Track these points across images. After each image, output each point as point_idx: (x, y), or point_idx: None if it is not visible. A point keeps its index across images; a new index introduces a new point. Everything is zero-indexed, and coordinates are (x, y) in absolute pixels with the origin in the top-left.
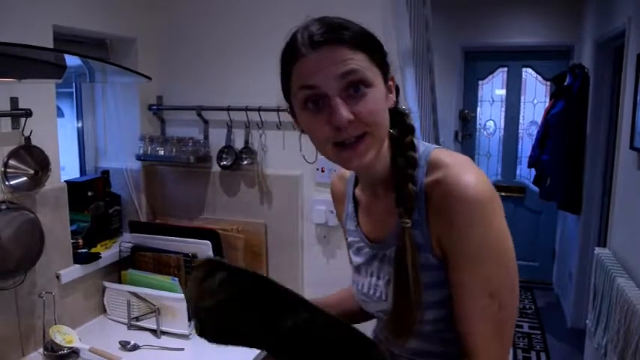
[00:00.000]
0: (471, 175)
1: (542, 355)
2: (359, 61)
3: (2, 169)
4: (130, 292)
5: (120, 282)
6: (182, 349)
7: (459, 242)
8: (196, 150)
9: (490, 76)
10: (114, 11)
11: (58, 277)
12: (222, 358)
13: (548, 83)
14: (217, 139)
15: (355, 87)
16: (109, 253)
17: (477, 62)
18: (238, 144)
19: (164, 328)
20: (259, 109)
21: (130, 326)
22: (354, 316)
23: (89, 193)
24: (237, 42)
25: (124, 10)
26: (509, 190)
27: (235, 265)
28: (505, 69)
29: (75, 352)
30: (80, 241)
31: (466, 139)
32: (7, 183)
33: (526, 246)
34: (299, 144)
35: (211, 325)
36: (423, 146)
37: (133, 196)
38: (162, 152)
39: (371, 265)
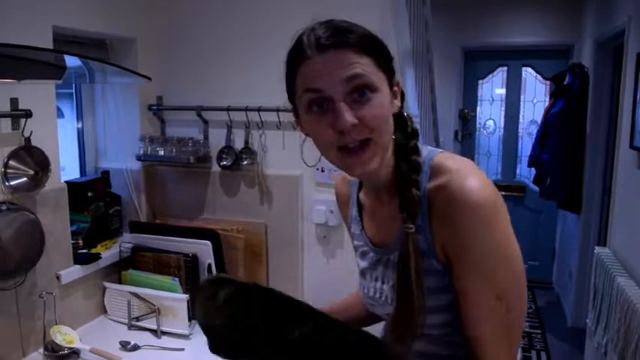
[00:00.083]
0: (474, 180)
1: (543, 355)
2: (365, 66)
3: (2, 169)
4: (130, 293)
5: (120, 282)
6: (182, 350)
7: (463, 247)
8: (196, 150)
9: (490, 76)
10: (114, 11)
11: (58, 277)
12: None
13: (548, 82)
14: (217, 139)
15: (360, 91)
16: (109, 253)
17: (477, 62)
18: (238, 144)
19: (164, 329)
20: (259, 109)
21: (131, 326)
22: (361, 321)
23: (89, 194)
24: (237, 42)
25: (124, 11)
26: (509, 189)
27: (238, 279)
28: (505, 68)
29: (75, 352)
30: (80, 241)
31: (466, 138)
32: (7, 184)
33: (526, 245)
34: (300, 150)
35: (223, 342)
36: (427, 150)
37: (133, 196)
38: (162, 152)
39: (376, 270)
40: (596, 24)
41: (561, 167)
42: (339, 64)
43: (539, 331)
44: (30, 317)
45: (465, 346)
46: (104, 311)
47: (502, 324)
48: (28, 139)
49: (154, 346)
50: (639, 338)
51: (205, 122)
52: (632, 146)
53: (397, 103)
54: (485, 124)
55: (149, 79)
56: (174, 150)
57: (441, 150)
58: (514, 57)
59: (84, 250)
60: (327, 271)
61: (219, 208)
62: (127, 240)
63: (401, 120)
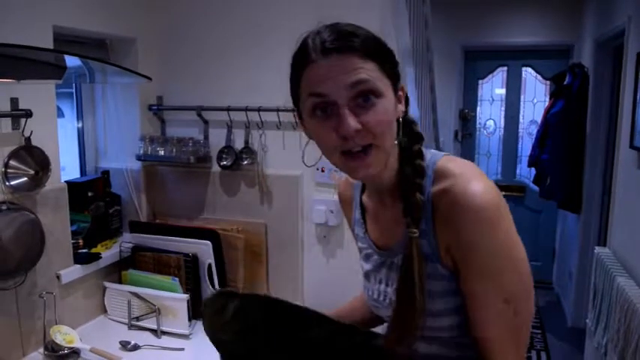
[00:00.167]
0: (477, 184)
1: (543, 355)
2: (370, 71)
3: (3, 169)
4: (130, 292)
5: (120, 282)
6: (182, 349)
7: (468, 251)
8: (196, 150)
9: (490, 76)
10: (114, 11)
11: (58, 277)
12: None
13: (548, 82)
14: (217, 139)
15: (365, 97)
16: (109, 253)
17: (477, 61)
18: (238, 144)
19: (164, 328)
20: (259, 109)
21: (131, 326)
22: (366, 323)
23: (89, 194)
24: (237, 42)
25: (124, 10)
26: (509, 189)
27: (243, 292)
28: (505, 68)
29: (75, 352)
30: (80, 241)
31: (466, 138)
32: (7, 183)
33: (526, 245)
34: (302, 153)
35: (233, 356)
36: (430, 154)
37: (133, 196)
38: (162, 152)
39: (379, 272)
40: (596, 24)
41: (561, 167)
42: (344, 69)
43: (539, 331)
44: (30, 317)
45: (473, 347)
46: (104, 311)
47: (510, 327)
48: (28, 139)
49: (154, 345)
50: (639, 338)
51: (205, 122)
52: (632, 146)
53: (401, 107)
54: (485, 124)
55: (149, 79)
56: (174, 150)
57: (443, 153)
58: (514, 57)
59: (84, 250)
60: (327, 271)
61: (219, 208)
62: (127, 240)
63: (405, 124)
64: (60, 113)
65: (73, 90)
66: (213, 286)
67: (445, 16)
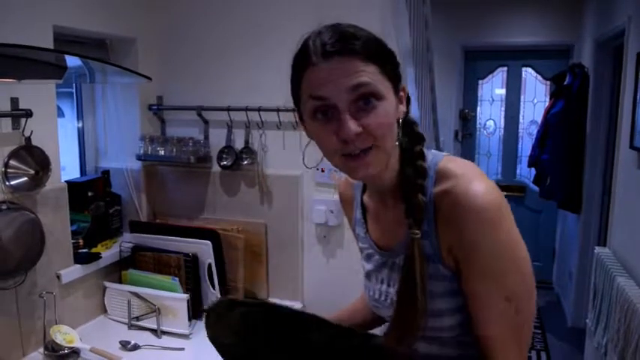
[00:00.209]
0: (479, 185)
1: (543, 355)
2: (370, 74)
3: (3, 169)
4: (130, 292)
5: (120, 282)
6: (182, 349)
7: (470, 251)
8: (196, 150)
9: (490, 76)
10: (114, 11)
11: (58, 277)
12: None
13: (548, 82)
14: (217, 139)
15: (366, 99)
16: (109, 253)
17: (477, 61)
18: (238, 144)
19: (164, 328)
20: (259, 109)
21: (131, 326)
22: (368, 324)
23: (89, 193)
24: (237, 42)
25: (124, 10)
26: (509, 189)
27: (245, 299)
28: (505, 68)
29: (75, 351)
30: (80, 241)
31: (466, 138)
32: (7, 183)
33: (526, 245)
34: (302, 154)
35: (235, 358)
36: (432, 155)
37: (133, 196)
38: (162, 152)
39: (381, 272)
40: (596, 24)
41: (561, 167)
42: (345, 72)
43: (539, 331)
44: (30, 317)
45: (475, 345)
46: (104, 311)
47: (512, 325)
48: (28, 139)
49: (154, 345)
50: (639, 338)
51: (206, 122)
52: (632, 146)
53: (403, 108)
54: (485, 124)
55: (149, 79)
56: (174, 150)
57: (444, 153)
58: (514, 57)
59: (84, 250)
60: (327, 271)
61: (219, 208)
62: (127, 240)
63: (406, 125)
64: (60, 113)
65: (74, 90)
66: (213, 286)
67: (445, 16)
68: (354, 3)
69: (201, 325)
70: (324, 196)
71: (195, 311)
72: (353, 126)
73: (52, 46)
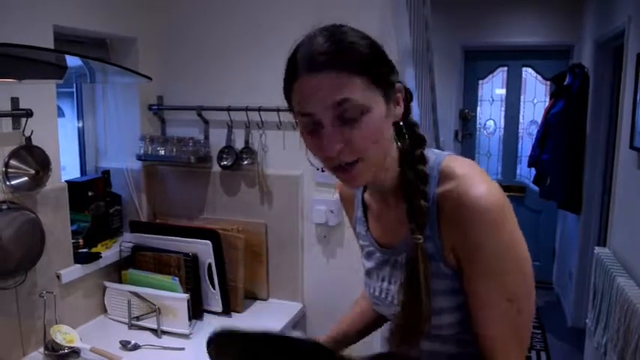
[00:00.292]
0: (482, 186)
1: (543, 355)
2: (357, 87)
3: (3, 169)
4: (130, 292)
5: (120, 282)
6: (183, 349)
7: (473, 252)
8: (197, 150)
9: (490, 76)
10: (114, 11)
11: (58, 276)
12: None
13: (548, 83)
14: (218, 139)
15: (350, 114)
16: (109, 252)
17: (477, 61)
18: (238, 144)
19: (165, 328)
20: (259, 109)
21: (131, 326)
22: (377, 324)
23: (90, 193)
24: (237, 42)
25: (124, 10)
26: (509, 189)
27: (246, 330)
28: (505, 68)
29: (75, 351)
30: (81, 240)
31: (466, 138)
32: (7, 183)
33: (526, 245)
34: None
35: None
36: (434, 155)
37: (133, 196)
38: (162, 152)
39: (382, 270)
40: (596, 24)
41: (561, 167)
42: (330, 87)
43: (539, 331)
44: (30, 316)
45: (474, 344)
46: (104, 311)
47: (513, 325)
48: (28, 139)
49: (155, 345)
50: (639, 338)
51: (206, 122)
52: (632, 146)
53: (399, 110)
54: (485, 124)
55: (149, 78)
56: (174, 150)
57: (447, 153)
58: (514, 57)
59: (84, 250)
60: (327, 271)
61: (219, 208)
62: (128, 239)
63: (407, 126)
64: (60, 113)
65: (74, 90)
66: (213, 286)
67: (445, 16)
68: (354, 3)
69: (201, 325)
70: (324, 196)
71: (195, 311)
72: (334, 143)
73: (52, 46)
